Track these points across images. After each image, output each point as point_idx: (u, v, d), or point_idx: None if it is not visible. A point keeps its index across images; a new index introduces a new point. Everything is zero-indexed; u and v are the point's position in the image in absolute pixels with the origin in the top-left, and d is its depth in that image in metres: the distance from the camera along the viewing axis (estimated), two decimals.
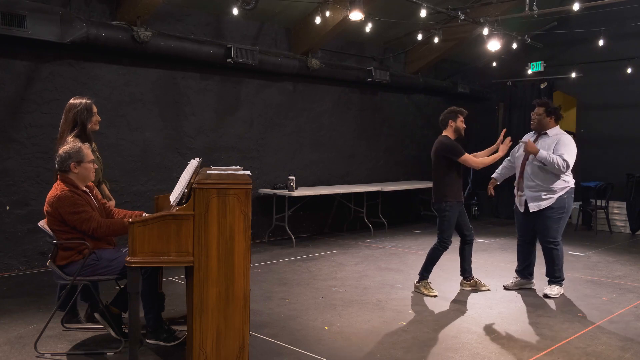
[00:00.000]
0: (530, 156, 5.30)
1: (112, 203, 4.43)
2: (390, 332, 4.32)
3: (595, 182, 9.64)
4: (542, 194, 5.25)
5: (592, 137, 10.57)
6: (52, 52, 6.14)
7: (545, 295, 5.34)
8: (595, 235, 9.20)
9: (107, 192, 4.58)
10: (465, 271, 5.61)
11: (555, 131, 5.36)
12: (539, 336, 4.26)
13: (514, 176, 5.65)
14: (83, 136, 4.22)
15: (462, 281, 5.66)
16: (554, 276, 5.40)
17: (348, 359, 3.80)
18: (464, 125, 5.48)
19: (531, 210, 5.33)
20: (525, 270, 5.65)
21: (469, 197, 11.17)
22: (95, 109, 4.38)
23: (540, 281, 5.68)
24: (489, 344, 4.09)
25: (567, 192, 5.27)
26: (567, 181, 5.27)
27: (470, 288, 5.60)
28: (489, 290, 5.55)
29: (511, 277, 5.75)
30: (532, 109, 5.55)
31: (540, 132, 5.41)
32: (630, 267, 6.78)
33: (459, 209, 5.41)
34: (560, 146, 5.21)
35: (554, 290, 5.37)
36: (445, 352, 3.93)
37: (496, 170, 5.88)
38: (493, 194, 5.90)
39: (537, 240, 5.50)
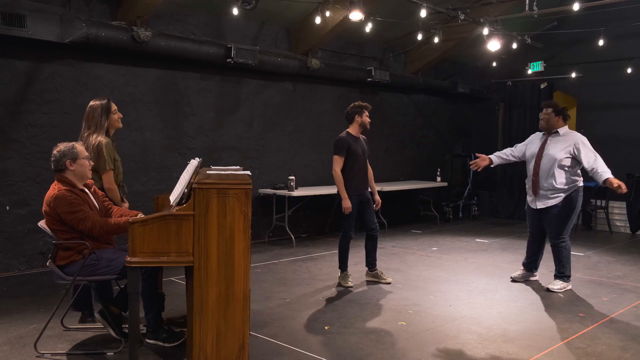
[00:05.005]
0: (544, 156, 5.46)
1: (126, 205, 4.43)
2: (390, 332, 4.32)
3: (595, 182, 9.58)
4: (550, 192, 5.43)
5: (592, 137, 10.44)
6: (52, 52, 6.14)
7: (548, 290, 5.48)
8: (595, 235, 9.20)
9: (122, 195, 4.54)
10: (368, 263, 5.89)
11: (565, 130, 5.55)
12: (539, 336, 4.26)
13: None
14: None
15: (366, 272, 5.93)
16: (559, 272, 5.57)
17: (348, 359, 3.80)
18: (369, 120, 5.77)
19: (538, 208, 5.53)
20: (531, 264, 5.89)
21: (469, 197, 11.18)
22: (114, 107, 4.45)
23: (545, 277, 5.68)
24: (489, 344, 4.09)
25: (575, 190, 5.42)
26: (577, 180, 5.44)
27: (371, 279, 5.86)
28: (389, 283, 5.76)
29: (518, 270, 6.02)
30: (537, 110, 5.67)
31: (550, 132, 5.56)
32: (630, 267, 6.78)
33: (357, 201, 5.62)
34: (585, 149, 5.38)
35: (557, 285, 5.51)
36: (445, 352, 3.93)
37: (496, 153, 5.95)
38: (478, 169, 5.85)
39: (547, 237, 5.70)
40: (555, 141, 5.48)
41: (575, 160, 5.38)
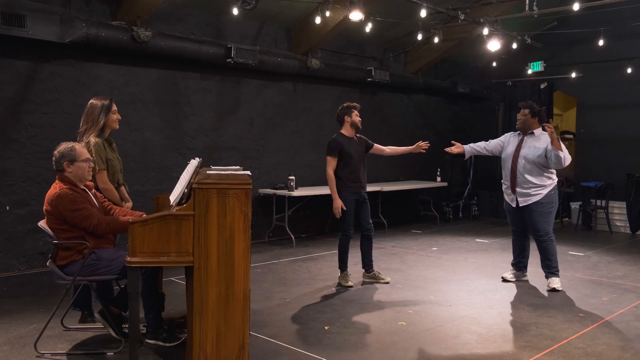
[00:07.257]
0: (521, 156, 5.56)
1: (129, 205, 4.43)
2: (390, 332, 4.32)
3: (595, 182, 9.64)
4: (532, 189, 5.54)
5: (592, 137, 10.57)
6: (52, 52, 6.14)
7: (554, 290, 5.52)
8: (595, 235, 9.20)
9: (126, 194, 4.55)
10: (365, 264, 5.89)
11: (540, 131, 5.66)
12: (539, 336, 4.26)
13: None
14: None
15: (363, 273, 5.92)
16: (551, 267, 5.64)
17: (348, 359, 3.80)
18: (359, 119, 5.78)
19: (521, 205, 5.61)
20: (519, 263, 5.96)
21: (469, 197, 11.18)
22: (114, 107, 4.45)
23: (535, 276, 5.68)
24: (489, 344, 4.09)
25: (553, 187, 5.59)
26: (553, 178, 5.61)
27: (369, 280, 5.85)
28: (388, 282, 5.77)
29: (508, 270, 6.07)
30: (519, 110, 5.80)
31: (526, 132, 5.70)
32: (630, 267, 6.78)
33: (353, 200, 5.65)
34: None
35: (556, 282, 5.58)
36: (445, 352, 3.93)
37: (471, 144, 6.04)
38: (451, 152, 5.96)
39: (530, 234, 5.81)
40: (531, 141, 5.61)
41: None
